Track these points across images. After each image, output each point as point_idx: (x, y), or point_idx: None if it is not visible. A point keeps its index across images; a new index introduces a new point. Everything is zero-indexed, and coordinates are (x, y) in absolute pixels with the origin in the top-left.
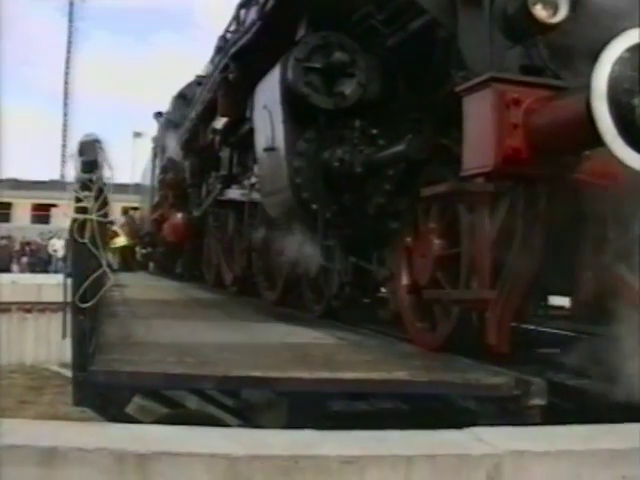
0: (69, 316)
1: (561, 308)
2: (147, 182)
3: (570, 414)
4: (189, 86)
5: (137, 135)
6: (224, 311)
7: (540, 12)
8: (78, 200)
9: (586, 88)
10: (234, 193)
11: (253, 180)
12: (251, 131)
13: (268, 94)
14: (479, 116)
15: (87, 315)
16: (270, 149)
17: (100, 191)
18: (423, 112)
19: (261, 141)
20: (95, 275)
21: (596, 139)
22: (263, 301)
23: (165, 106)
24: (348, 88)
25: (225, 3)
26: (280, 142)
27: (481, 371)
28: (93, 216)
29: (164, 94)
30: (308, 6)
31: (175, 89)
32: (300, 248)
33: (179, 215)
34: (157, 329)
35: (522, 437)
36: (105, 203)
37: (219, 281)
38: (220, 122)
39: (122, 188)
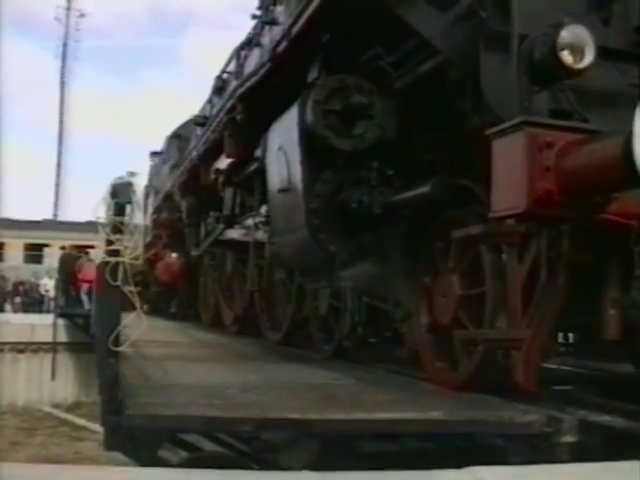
0: (58, 356)
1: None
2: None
3: (597, 451)
4: (184, 126)
5: (131, 174)
6: (231, 352)
7: (567, 57)
8: (109, 243)
9: (622, 132)
10: (236, 233)
11: (257, 220)
12: (257, 172)
13: (284, 135)
14: (510, 158)
15: (117, 359)
16: (285, 190)
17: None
18: (437, 153)
19: (275, 182)
20: (131, 317)
21: (634, 181)
22: (266, 341)
23: (156, 145)
24: (367, 130)
25: (212, 42)
26: (297, 183)
27: (511, 409)
28: (126, 259)
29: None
30: (321, 49)
31: (165, 128)
32: (310, 288)
33: (174, 255)
34: (173, 371)
35: (521, 476)
36: (136, 246)
37: (217, 321)
38: (224, 162)
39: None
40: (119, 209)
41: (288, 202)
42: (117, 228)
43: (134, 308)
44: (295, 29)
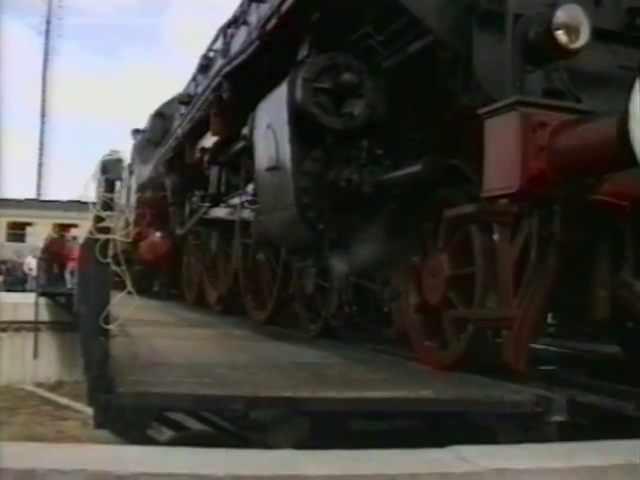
0: (41, 335)
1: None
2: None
3: (586, 430)
4: (167, 104)
5: (114, 152)
6: (217, 331)
7: (562, 37)
8: (99, 219)
9: (616, 112)
10: (222, 212)
11: (243, 199)
12: (243, 150)
13: (273, 113)
14: (504, 138)
15: (107, 337)
16: (273, 168)
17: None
18: (426, 132)
19: (263, 160)
20: (121, 296)
21: (629, 161)
22: (251, 320)
23: (138, 123)
24: (357, 109)
25: (195, 21)
26: (286, 161)
27: (501, 389)
28: (117, 236)
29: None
30: (311, 27)
31: (148, 106)
32: (296, 267)
33: (157, 234)
34: (161, 350)
35: (504, 455)
36: (127, 223)
37: (200, 300)
38: (210, 141)
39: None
40: (109, 185)
41: (276, 180)
42: (107, 205)
43: (120, 286)
44: (285, 7)
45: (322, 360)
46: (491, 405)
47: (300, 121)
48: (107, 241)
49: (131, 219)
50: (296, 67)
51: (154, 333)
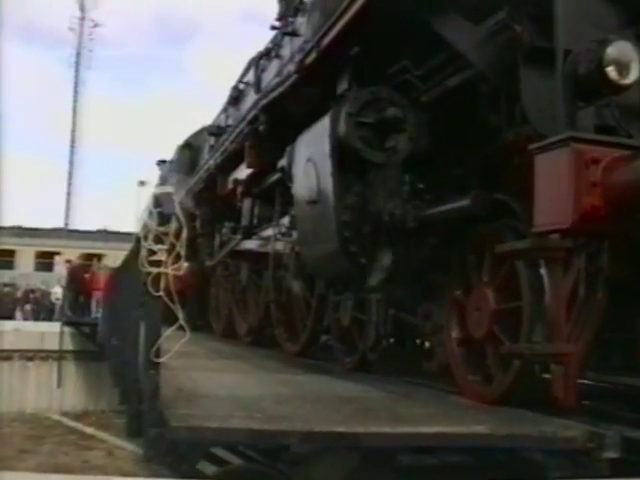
0: (67, 364)
1: None
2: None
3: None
4: (195, 135)
5: (142, 184)
6: (252, 363)
7: (613, 73)
8: (152, 253)
9: None
10: (254, 244)
11: (277, 231)
12: (278, 182)
13: (314, 147)
14: (556, 174)
15: (158, 371)
16: (314, 201)
17: (172, 245)
18: (467, 167)
19: (303, 193)
20: (172, 329)
21: None
22: (283, 352)
23: (164, 154)
24: (399, 143)
25: (217, 52)
26: (327, 195)
27: (552, 424)
28: (169, 270)
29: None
30: (350, 61)
31: (172, 136)
32: (333, 299)
33: (186, 264)
34: (202, 382)
35: None
36: (179, 256)
37: (229, 331)
38: (243, 172)
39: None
40: (163, 219)
41: (317, 213)
42: (159, 238)
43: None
44: (325, 41)
45: (364, 394)
46: (544, 441)
47: (342, 155)
48: (159, 275)
49: (183, 252)
50: (337, 101)
51: (190, 365)
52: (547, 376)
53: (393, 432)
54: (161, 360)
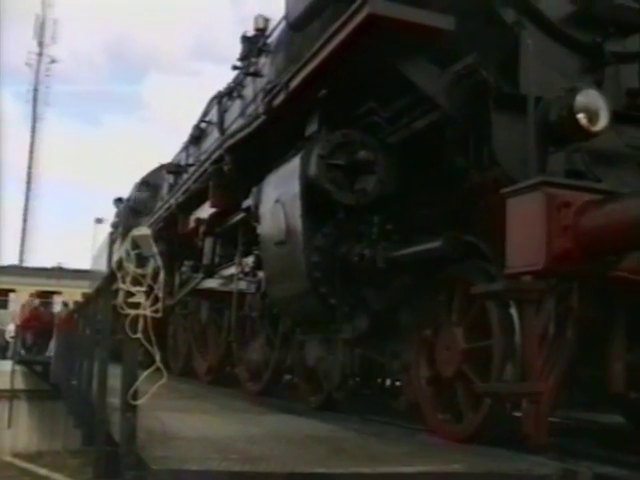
0: (19, 404)
1: None
2: (101, 268)
3: None
4: (153, 173)
5: (98, 221)
6: (215, 403)
7: (583, 120)
8: (129, 295)
9: None
10: (215, 283)
11: (239, 270)
12: (242, 222)
13: (282, 187)
14: (528, 217)
15: (135, 413)
16: (282, 242)
17: (150, 287)
18: (435, 208)
19: (271, 234)
20: (149, 371)
21: None
22: (244, 392)
23: (119, 190)
24: (369, 185)
25: (172, 88)
26: (297, 236)
27: (526, 461)
28: (147, 312)
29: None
30: (319, 103)
31: (128, 173)
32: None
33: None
34: (170, 423)
35: None
36: (157, 299)
37: (187, 370)
38: (206, 212)
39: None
40: (141, 261)
41: (285, 254)
42: (137, 280)
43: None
44: (293, 83)
45: (333, 433)
46: (520, 478)
47: (312, 196)
48: (137, 316)
49: (161, 294)
50: (306, 142)
51: (155, 405)
52: (517, 414)
53: (373, 472)
54: (138, 402)
